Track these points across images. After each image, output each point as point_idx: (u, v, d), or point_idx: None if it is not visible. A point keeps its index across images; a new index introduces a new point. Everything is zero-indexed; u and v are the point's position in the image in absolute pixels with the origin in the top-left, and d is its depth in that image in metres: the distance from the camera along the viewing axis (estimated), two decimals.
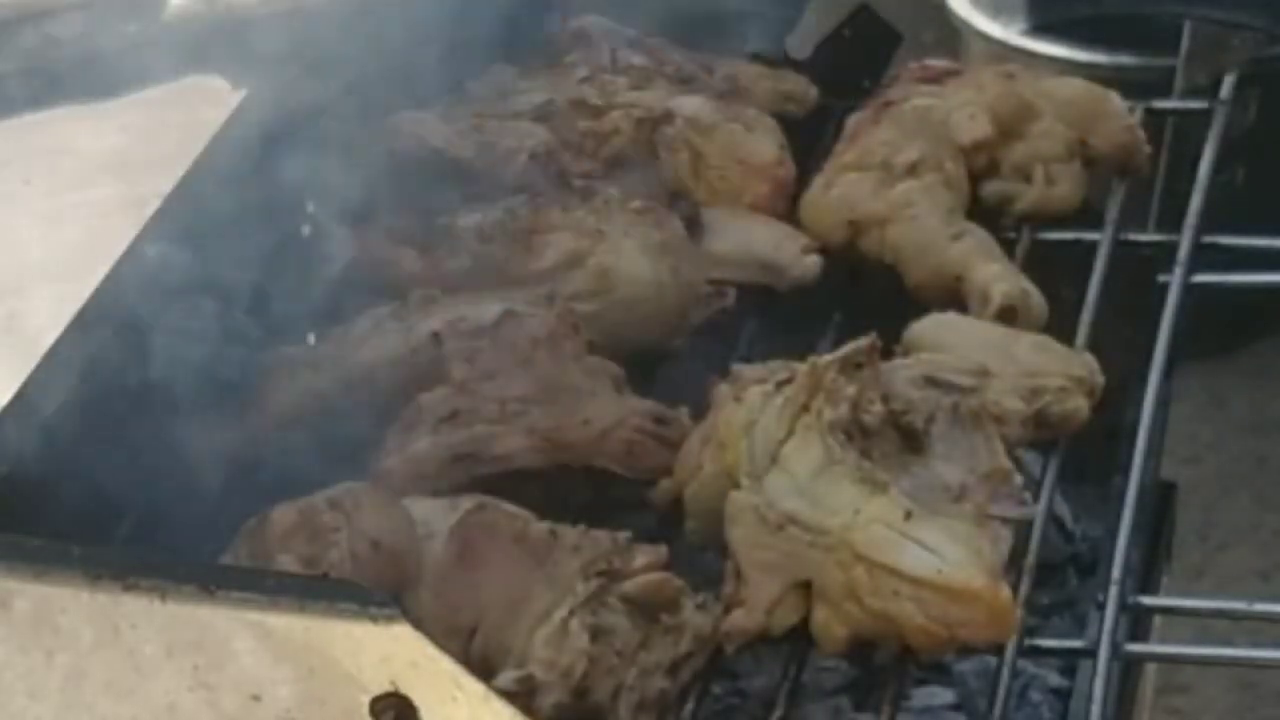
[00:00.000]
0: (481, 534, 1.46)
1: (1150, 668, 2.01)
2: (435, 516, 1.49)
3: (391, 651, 1.24)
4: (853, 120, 1.95)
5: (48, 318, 1.58)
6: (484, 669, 1.38)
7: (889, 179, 1.85)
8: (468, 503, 1.50)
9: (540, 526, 1.48)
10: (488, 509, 1.49)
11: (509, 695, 1.31)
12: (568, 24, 2.09)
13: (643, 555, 1.46)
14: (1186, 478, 2.60)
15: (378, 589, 1.33)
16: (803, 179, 1.92)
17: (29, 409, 1.51)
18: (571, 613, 1.40)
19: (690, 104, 1.96)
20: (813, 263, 1.83)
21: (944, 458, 1.52)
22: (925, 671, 1.87)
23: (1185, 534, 2.23)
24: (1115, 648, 1.50)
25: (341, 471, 1.58)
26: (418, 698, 1.24)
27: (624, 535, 1.47)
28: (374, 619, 1.25)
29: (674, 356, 1.80)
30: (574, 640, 1.38)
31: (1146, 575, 1.91)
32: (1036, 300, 1.74)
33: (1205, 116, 2.01)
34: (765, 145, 1.93)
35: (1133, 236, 1.89)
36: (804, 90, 2.06)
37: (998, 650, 1.47)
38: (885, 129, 1.90)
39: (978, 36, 3.55)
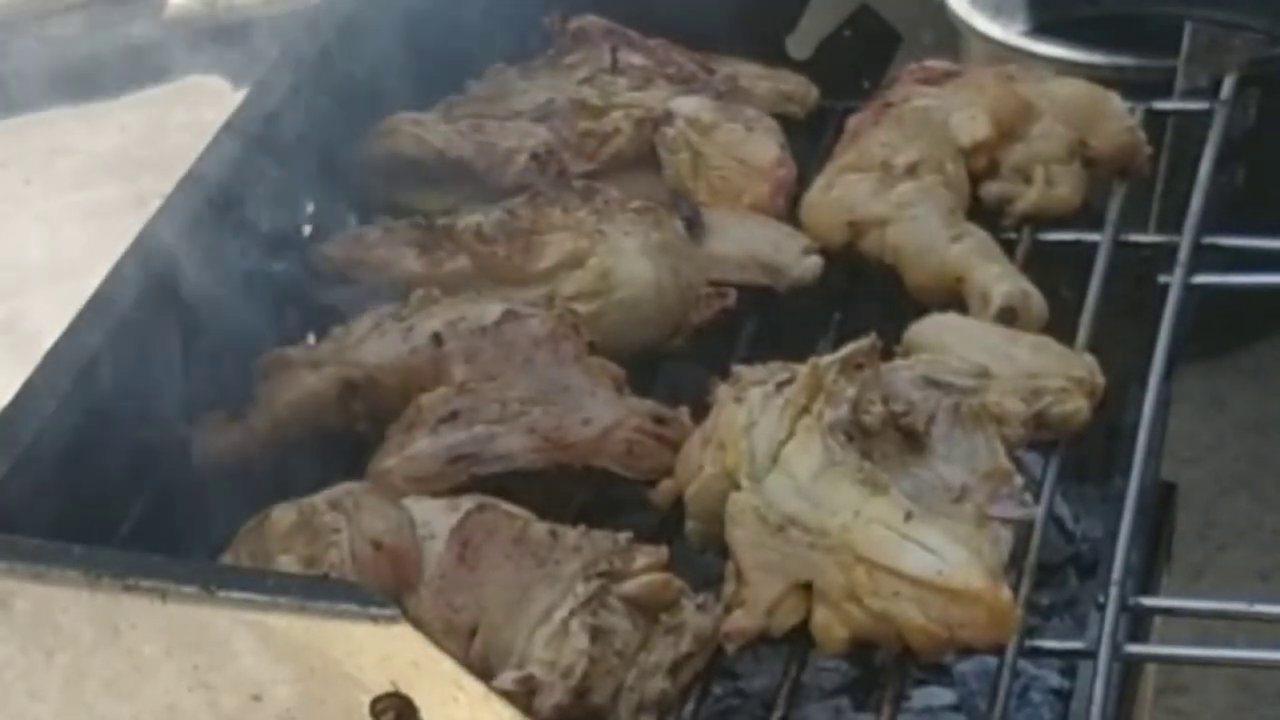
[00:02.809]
0: (482, 534, 1.46)
1: (1150, 668, 2.01)
2: (435, 516, 1.49)
3: (392, 652, 1.24)
4: (853, 121, 1.94)
5: (48, 318, 1.58)
6: (484, 669, 1.38)
7: (889, 180, 1.85)
8: (468, 503, 1.50)
9: (540, 527, 1.48)
10: (488, 509, 1.48)
11: (509, 695, 1.31)
12: (568, 24, 2.08)
13: (643, 556, 1.46)
14: (1186, 478, 2.60)
15: (378, 589, 1.33)
16: (803, 179, 1.92)
17: (29, 409, 1.51)
18: (572, 613, 1.39)
19: (690, 104, 1.95)
20: (813, 263, 1.82)
21: (945, 459, 1.52)
22: (925, 672, 1.87)
23: (1185, 534, 2.23)
24: (1115, 648, 1.50)
25: (341, 471, 1.58)
26: (418, 698, 1.24)
27: (624, 536, 1.47)
28: (374, 619, 1.25)
29: (674, 357, 1.80)
30: (574, 640, 1.38)
31: (1147, 576, 1.92)
32: (1037, 301, 1.74)
33: (1205, 117, 2.00)
34: (765, 145, 1.93)
35: (1133, 237, 1.89)
36: (804, 90, 2.06)
37: (998, 651, 1.47)
38: (885, 130, 1.90)
39: (978, 37, 3.54)
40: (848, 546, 1.43)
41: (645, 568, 1.44)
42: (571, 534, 1.46)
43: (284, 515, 1.49)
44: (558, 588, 1.42)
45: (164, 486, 1.59)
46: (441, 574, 1.44)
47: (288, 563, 1.45)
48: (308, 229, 1.88)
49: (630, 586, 1.42)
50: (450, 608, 1.43)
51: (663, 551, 1.47)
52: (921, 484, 1.49)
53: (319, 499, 1.50)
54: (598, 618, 1.40)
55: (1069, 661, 1.84)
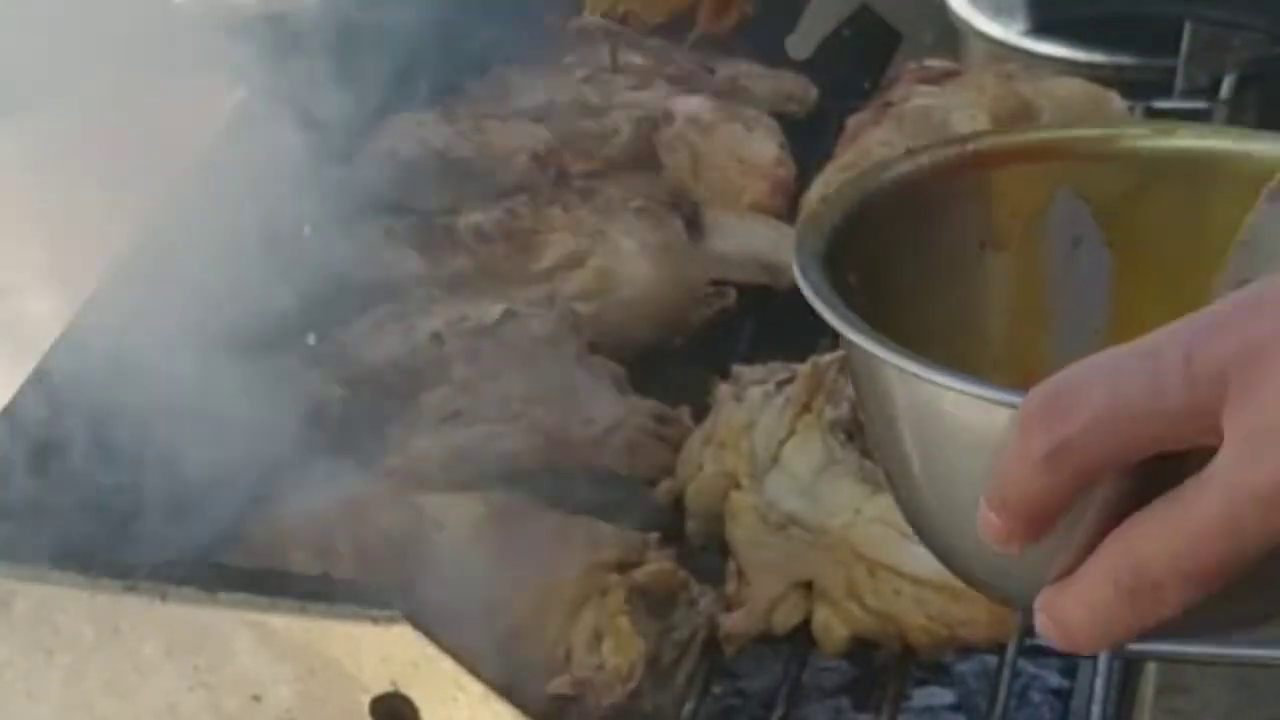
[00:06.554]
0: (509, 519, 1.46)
1: (1150, 668, 2.00)
2: (443, 508, 1.48)
3: (392, 651, 1.24)
4: (853, 121, 1.94)
5: (48, 318, 1.58)
6: (505, 651, 1.37)
7: None
8: (477, 496, 1.49)
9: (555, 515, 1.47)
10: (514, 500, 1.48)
11: (560, 699, 1.31)
12: (568, 24, 2.08)
13: (654, 552, 1.45)
14: None
15: (388, 583, 1.33)
16: (803, 179, 1.91)
17: (29, 410, 1.51)
18: (614, 614, 1.38)
19: (690, 104, 1.95)
20: None
21: None
22: (926, 671, 1.87)
23: None
24: (1116, 647, 1.50)
25: (343, 471, 1.58)
26: (418, 697, 1.24)
27: (653, 536, 1.47)
28: (374, 619, 1.25)
29: (674, 356, 1.80)
30: (628, 642, 1.37)
31: None
32: None
33: (1205, 116, 2.00)
34: (765, 145, 1.93)
35: None
36: (804, 90, 2.06)
37: (998, 650, 1.47)
38: (885, 130, 1.90)
39: (978, 36, 3.53)
40: (848, 545, 1.43)
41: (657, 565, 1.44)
42: (598, 527, 1.46)
43: (294, 512, 1.48)
44: (585, 580, 1.41)
45: (164, 486, 1.59)
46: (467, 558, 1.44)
47: (301, 559, 1.43)
48: (307, 229, 1.88)
49: (641, 575, 1.41)
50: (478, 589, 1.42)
51: (668, 553, 1.46)
52: None
53: (329, 497, 1.49)
54: (635, 617, 1.39)
55: (1069, 660, 1.84)
